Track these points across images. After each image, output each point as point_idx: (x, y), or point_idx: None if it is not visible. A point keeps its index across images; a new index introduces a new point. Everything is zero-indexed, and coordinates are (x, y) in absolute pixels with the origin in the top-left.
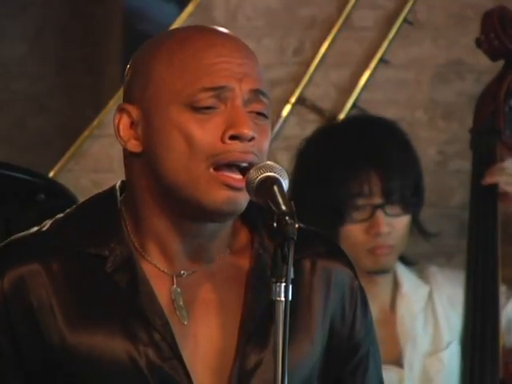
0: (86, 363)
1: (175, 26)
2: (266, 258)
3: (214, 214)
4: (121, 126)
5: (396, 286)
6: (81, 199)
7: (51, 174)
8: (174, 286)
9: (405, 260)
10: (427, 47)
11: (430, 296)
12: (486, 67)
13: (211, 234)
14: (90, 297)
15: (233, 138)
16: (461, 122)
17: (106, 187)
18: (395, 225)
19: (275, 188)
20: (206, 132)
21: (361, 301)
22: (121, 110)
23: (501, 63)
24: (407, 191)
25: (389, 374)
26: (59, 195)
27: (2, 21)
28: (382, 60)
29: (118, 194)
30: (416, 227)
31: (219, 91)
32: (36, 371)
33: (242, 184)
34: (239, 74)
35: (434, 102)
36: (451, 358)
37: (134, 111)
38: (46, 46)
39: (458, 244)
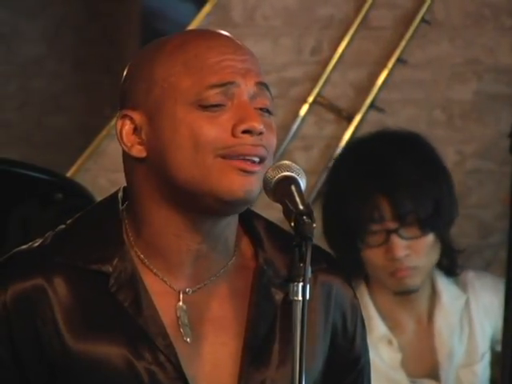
0: (89, 377)
1: (192, 25)
2: (270, 275)
3: (231, 203)
4: (124, 133)
5: (434, 296)
6: (98, 198)
7: (69, 173)
8: (180, 303)
9: (445, 270)
10: (445, 47)
11: (467, 305)
12: (504, 66)
13: (219, 236)
14: (93, 314)
15: (244, 132)
16: (478, 121)
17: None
18: (414, 247)
19: (293, 187)
20: (215, 128)
21: (360, 317)
22: (123, 116)
23: None
24: (424, 212)
25: None
26: (77, 194)
27: (21, 21)
28: (399, 59)
29: (120, 203)
30: (442, 245)
31: (226, 87)
32: (39, 382)
33: (255, 168)
34: (243, 70)
35: (451, 101)
36: (485, 369)
37: (137, 116)
38: (64, 46)
39: (476, 243)
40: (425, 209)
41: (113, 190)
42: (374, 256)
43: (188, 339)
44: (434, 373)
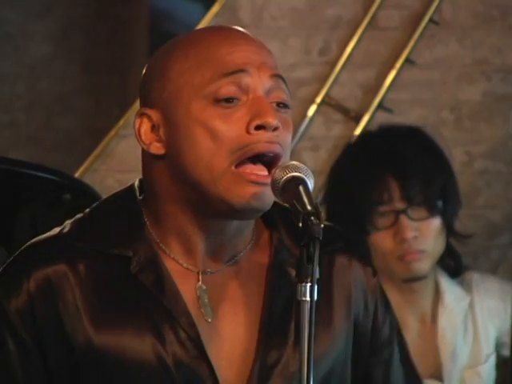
0: (112, 363)
1: (201, 26)
2: (285, 255)
3: (243, 211)
4: (142, 131)
5: (438, 296)
6: None
7: (77, 174)
8: (200, 283)
9: (449, 270)
10: (453, 47)
11: (471, 306)
12: None
13: (235, 231)
14: (115, 297)
15: (258, 128)
16: (487, 122)
17: None
18: (422, 229)
19: (301, 188)
20: (230, 126)
21: (381, 295)
22: (141, 114)
23: None
24: (431, 194)
25: None
26: (85, 195)
27: (29, 21)
28: (407, 60)
29: (138, 193)
30: (448, 230)
31: (238, 75)
32: (61, 371)
33: (268, 179)
34: (257, 62)
35: (459, 101)
36: (490, 371)
37: (154, 114)
38: (73, 47)
39: (484, 244)
40: (432, 191)
41: None
42: (382, 240)
43: (209, 319)
44: (437, 373)
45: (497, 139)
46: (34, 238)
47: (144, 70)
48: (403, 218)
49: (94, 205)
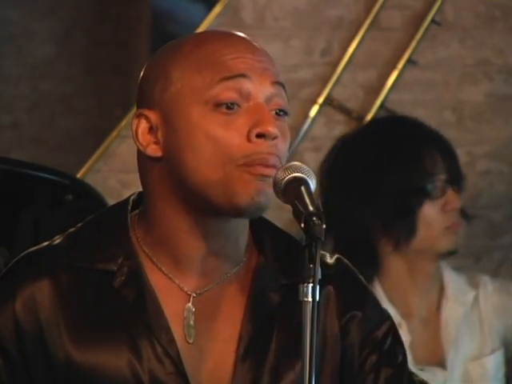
0: (89, 379)
1: (203, 26)
2: (267, 279)
3: (247, 208)
4: (139, 132)
5: (442, 288)
6: (109, 199)
7: (79, 175)
8: (189, 304)
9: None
10: (455, 48)
11: (476, 301)
12: None
13: (229, 240)
14: (96, 312)
15: (259, 136)
16: (489, 122)
17: (133, 187)
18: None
19: (302, 189)
20: (231, 133)
21: (383, 339)
22: (139, 115)
23: None
24: (460, 171)
25: (433, 375)
26: (87, 196)
27: (31, 22)
28: (409, 60)
29: (130, 206)
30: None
31: (239, 80)
32: None
33: (272, 172)
34: (259, 69)
35: (461, 102)
36: (497, 365)
37: (153, 116)
38: (75, 47)
39: (487, 245)
40: (460, 169)
41: (123, 191)
42: (432, 211)
43: (191, 340)
44: (442, 361)
45: (499, 140)
46: (35, 238)
47: (143, 71)
48: (450, 189)
49: (87, 219)
